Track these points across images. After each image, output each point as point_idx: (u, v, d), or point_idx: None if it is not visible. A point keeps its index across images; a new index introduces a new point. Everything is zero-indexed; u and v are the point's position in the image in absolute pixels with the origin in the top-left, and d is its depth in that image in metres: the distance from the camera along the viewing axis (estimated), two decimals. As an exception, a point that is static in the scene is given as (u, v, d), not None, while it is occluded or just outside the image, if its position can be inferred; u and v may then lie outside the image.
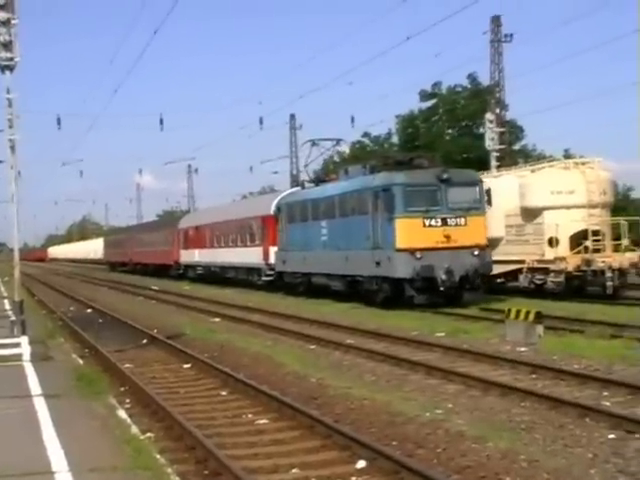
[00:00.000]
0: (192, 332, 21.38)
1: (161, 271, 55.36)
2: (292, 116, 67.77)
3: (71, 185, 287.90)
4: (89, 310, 30.21)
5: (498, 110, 45.83)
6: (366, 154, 59.27)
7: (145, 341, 19.87)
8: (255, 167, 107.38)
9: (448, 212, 23.58)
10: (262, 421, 10.82)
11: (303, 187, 33.73)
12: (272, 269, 34.44)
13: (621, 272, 24.79)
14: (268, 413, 11.24)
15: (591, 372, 13.10)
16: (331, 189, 28.93)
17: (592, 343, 15.47)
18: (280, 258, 32.92)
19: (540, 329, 16.58)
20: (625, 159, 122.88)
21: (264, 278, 35.77)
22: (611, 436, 9.30)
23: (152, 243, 58.00)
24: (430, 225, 23.46)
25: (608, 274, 24.30)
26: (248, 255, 37.75)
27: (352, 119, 55.40)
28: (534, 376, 13.14)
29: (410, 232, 23.36)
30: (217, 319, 25.25)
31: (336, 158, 65.67)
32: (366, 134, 64.40)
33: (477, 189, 24.49)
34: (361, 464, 8.51)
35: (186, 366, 15.90)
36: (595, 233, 25.16)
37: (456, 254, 23.18)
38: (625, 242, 25.39)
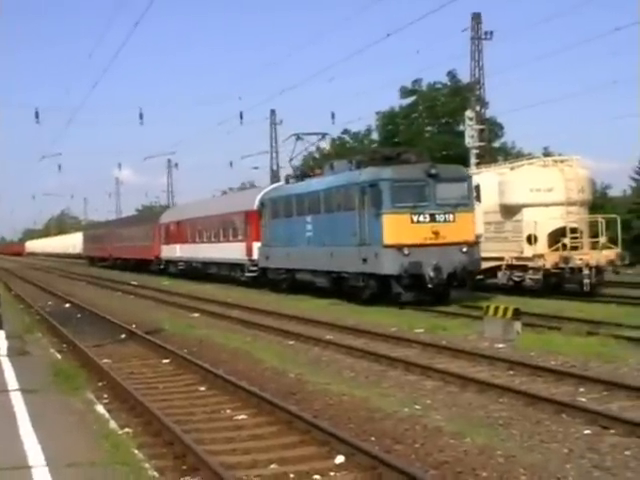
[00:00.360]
0: (171, 327, 21.32)
1: (141, 266, 54.63)
2: (272, 111, 67.68)
3: (49, 179, 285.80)
4: (67, 305, 30.03)
5: (478, 107, 46.03)
6: (346, 150, 59.36)
7: (124, 336, 19.80)
8: (235, 162, 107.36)
9: (436, 208, 23.22)
10: (241, 416, 10.82)
11: (287, 182, 33.35)
12: (255, 265, 34.09)
13: (598, 270, 25.01)
14: (247, 409, 11.25)
15: (568, 369, 13.21)
16: (316, 184, 28.49)
17: (569, 340, 15.60)
18: (263, 254, 32.56)
19: (518, 326, 16.69)
20: (603, 158, 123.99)
21: (247, 274, 35.35)
22: (587, 432, 9.40)
23: (132, 238, 57.34)
24: (418, 221, 23.10)
25: (585, 271, 24.51)
26: (231, 251, 37.31)
27: (332, 115, 55.55)
28: (512, 372, 13.24)
29: (398, 228, 23.05)
30: (196, 314, 25.20)
31: (316, 155, 65.77)
32: (346, 131, 64.53)
33: (466, 185, 24.22)
34: (339, 459, 8.54)
35: (165, 361, 15.87)
36: (573, 231, 25.36)
37: (444, 251, 22.88)
38: (602, 240, 25.60)
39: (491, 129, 50.88)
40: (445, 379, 12.78)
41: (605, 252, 25.23)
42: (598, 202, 35.86)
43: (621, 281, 28.25)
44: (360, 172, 25.06)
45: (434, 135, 56.75)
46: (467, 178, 24.70)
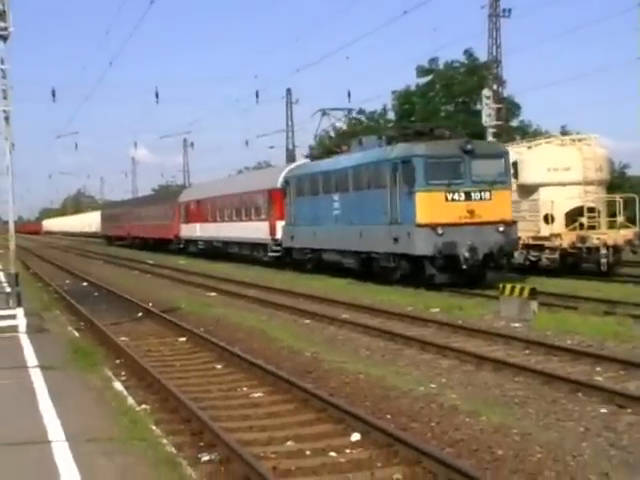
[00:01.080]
0: (187, 306, 21.43)
1: (160, 246, 54.44)
2: (288, 90, 67.38)
3: (66, 158, 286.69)
4: (84, 283, 30.24)
5: (495, 86, 45.68)
6: (363, 129, 59.10)
7: (140, 314, 19.93)
8: (251, 142, 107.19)
9: (472, 185, 22.22)
10: (257, 394, 10.89)
11: (312, 159, 32.72)
12: (279, 245, 33.22)
13: (615, 249, 24.86)
14: (263, 386, 11.31)
15: (584, 348, 13.19)
16: (344, 161, 27.40)
17: (585, 319, 15.56)
18: (288, 233, 31.71)
19: (534, 305, 16.66)
20: (621, 137, 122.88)
21: (270, 254, 34.48)
22: (603, 410, 9.40)
23: (151, 217, 56.95)
24: (453, 199, 22.06)
25: (603, 251, 24.38)
26: (253, 230, 36.52)
27: (349, 94, 55.16)
28: (527, 352, 13.23)
29: (431, 207, 22.04)
30: (213, 294, 25.30)
31: (332, 133, 65.57)
32: (361, 111, 64.17)
33: (503, 161, 23.14)
34: (355, 437, 8.58)
35: (181, 340, 15.96)
36: (590, 210, 25.21)
37: (480, 230, 21.86)
38: (620, 219, 25.45)
39: (508, 108, 50.50)
40: (461, 358, 12.80)
41: (623, 231, 25.07)
42: (616, 181, 35.60)
43: (639, 261, 28.10)
44: (392, 148, 24.07)
45: (451, 114, 56.36)
46: (504, 154, 23.62)
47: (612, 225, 25.48)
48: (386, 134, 26.19)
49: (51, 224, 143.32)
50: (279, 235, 33.12)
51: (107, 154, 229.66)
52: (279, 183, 33.39)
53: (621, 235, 24.89)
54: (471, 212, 22.05)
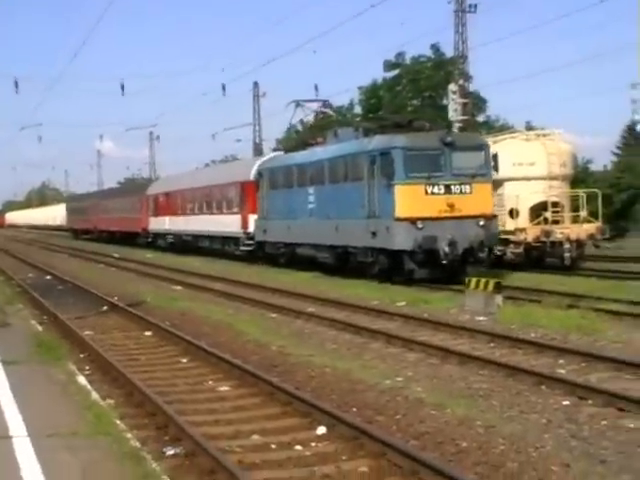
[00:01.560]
0: (153, 300, 21.31)
1: (128, 239, 53.54)
2: (255, 83, 67.01)
3: (30, 150, 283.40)
4: (48, 277, 29.91)
5: (461, 81, 45.91)
6: (330, 123, 59.06)
7: (105, 308, 19.77)
8: (218, 135, 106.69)
9: (452, 178, 21.69)
10: (223, 388, 10.86)
11: (286, 152, 31.95)
12: (251, 238, 32.55)
13: (579, 243, 25.19)
14: (229, 380, 11.29)
15: (548, 341, 13.34)
16: (320, 153, 26.67)
17: (549, 313, 15.72)
18: (261, 227, 31.03)
19: (499, 299, 16.82)
20: (585, 132, 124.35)
21: (242, 248, 33.70)
22: (565, 402, 9.52)
23: (118, 210, 55.78)
24: (433, 192, 21.54)
25: (566, 245, 24.67)
26: (225, 223, 35.58)
27: (316, 87, 55.08)
28: (492, 345, 13.35)
29: (411, 200, 21.51)
30: (179, 287, 25.18)
31: (299, 127, 65.49)
32: (329, 105, 64.09)
33: (483, 154, 22.58)
34: (321, 430, 8.60)
35: (147, 334, 15.87)
36: (554, 205, 25.48)
37: (460, 224, 21.41)
38: (583, 214, 25.75)
39: (474, 103, 50.75)
40: (426, 351, 12.87)
41: (586, 226, 25.40)
42: (580, 176, 36.01)
43: (601, 255, 28.50)
44: (369, 140, 23.51)
45: (417, 109, 56.52)
46: (485, 146, 23.07)
47: (575, 220, 25.79)
48: (363, 126, 25.52)
49: (14, 217, 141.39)
50: (251, 229, 32.54)
51: (72, 147, 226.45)
52: (252, 175, 32.76)
53: (584, 230, 25.21)
54: (451, 206, 21.59)
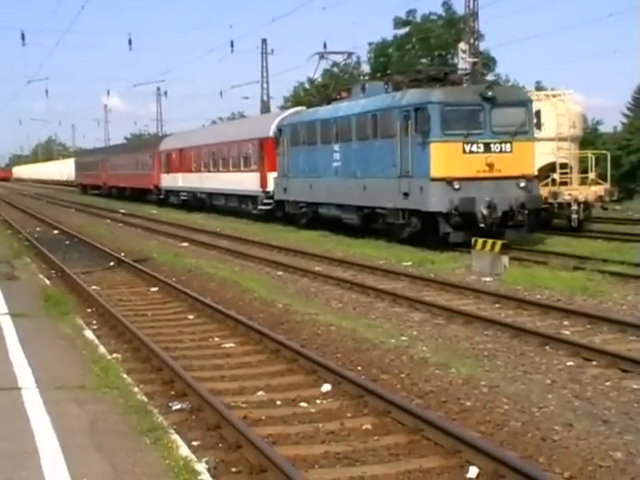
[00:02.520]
0: (160, 256, 21.36)
1: (139, 196, 52.30)
2: (264, 41, 66.36)
3: (37, 104, 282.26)
4: (56, 232, 29.99)
5: (472, 40, 45.38)
6: (337, 82, 58.63)
7: (112, 264, 19.84)
8: (225, 92, 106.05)
9: (492, 136, 20.42)
10: (229, 345, 10.93)
11: (308, 107, 30.70)
12: (270, 197, 31.25)
13: (586, 205, 25.07)
14: (235, 337, 11.36)
15: (553, 302, 13.37)
16: (346, 108, 25.24)
17: (555, 274, 15.74)
18: (281, 185, 29.70)
19: (505, 260, 16.81)
20: (595, 93, 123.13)
21: (260, 207, 32.25)
22: (569, 363, 9.56)
23: (129, 166, 54.13)
24: (471, 151, 20.24)
25: (574, 207, 24.56)
26: (242, 181, 34.10)
27: (324, 45, 54.50)
28: (498, 306, 13.38)
29: (448, 159, 20.26)
30: (185, 244, 25.23)
31: (307, 86, 64.97)
32: (335, 64, 63.61)
33: (526, 110, 21.23)
34: (326, 388, 8.67)
35: (153, 290, 15.94)
36: (563, 166, 25.29)
37: (499, 185, 20.22)
38: (592, 176, 25.61)
39: (484, 62, 50.25)
40: (432, 311, 12.91)
41: (594, 188, 25.25)
42: (589, 138, 35.77)
43: (609, 217, 28.40)
44: (402, 94, 22.05)
45: (427, 67, 56.00)
46: (527, 102, 21.67)
47: (584, 181, 25.65)
48: (393, 79, 24.35)
49: (22, 171, 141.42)
50: (270, 187, 31.25)
51: (79, 102, 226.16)
52: (271, 132, 31.44)
53: (592, 191, 25.07)
54: (490, 165, 20.30)
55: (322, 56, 31.37)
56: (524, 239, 21.09)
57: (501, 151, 20.54)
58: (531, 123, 21.43)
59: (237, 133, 37.34)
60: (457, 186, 19.96)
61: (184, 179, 43.28)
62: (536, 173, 24.35)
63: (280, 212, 30.64)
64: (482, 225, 19.97)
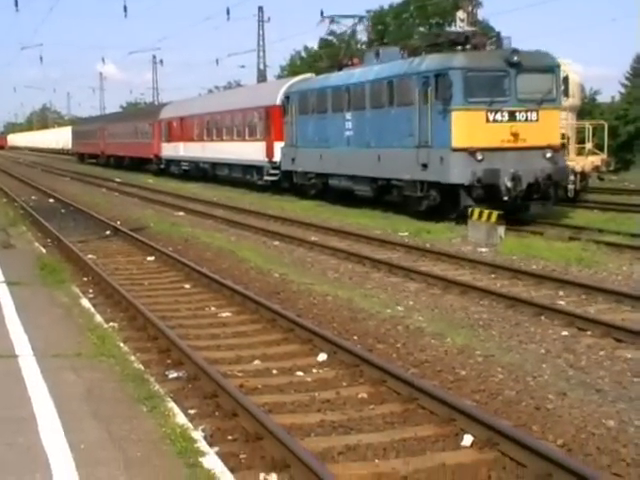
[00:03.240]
0: (156, 225, 21.35)
1: (138, 165, 51.26)
2: (260, 8, 65.82)
3: (31, 71, 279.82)
4: (51, 200, 29.93)
5: (470, 8, 45.03)
6: (335, 50, 58.33)
7: (108, 233, 19.83)
8: (221, 60, 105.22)
9: (517, 104, 19.39)
10: (225, 314, 10.97)
11: (317, 73, 30.01)
12: (276, 168, 30.36)
13: (583, 176, 25.02)
14: (231, 306, 11.39)
15: (548, 272, 13.42)
16: (359, 75, 24.13)
17: (551, 245, 15.78)
18: (288, 155, 28.63)
19: (501, 230, 16.84)
20: (593, 63, 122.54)
21: (266, 178, 31.41)
22: (564, 333, 9.62)
23: (129, 134, 53.09)
24: (495, 120, 19.22)
25: (570, 177, 24.54)
26: (247, 151, 33.10)
27: (321, 13, 54.02)
28: (493, 276, 13.42)
29: (470, 128, 19.25)
30: (181, 213, 25.20)
31: (303, 54, 64.58)
32: (332, 32, 63.17)
33: (553, 76, 20.07)
34: (322, 357, 8.71)
35: (150, 259, 15.94)
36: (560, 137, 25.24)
37: (525, 156, 19.18)
38: (589, 146, 25.56)
39: (482, 31, 49.89)
40: (428, 281, 12.95)
41: (591, 158, 25.18)
42: (586, 108, 35.63)
43: (605, 187, 28.40)
44: (421, 60, 20.99)
45: (424, 36, 55.66)
46: (555, 68, 20.36)
47: (581, 152, 25.59)
48: (410, 44, 23.22)
49: (16, 139, 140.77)
50: (277, 157, 30.28)
51: (74, 69, 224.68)
52: (278, 99, 30.44)
53: (589, 162, 25.02)
54: (515, 135, 19.26)
55: (332, 20, 30.61)
56: (550, 213, 20.29)
57: (527, 120, 19.46)
58: (559, 90, 20.26)
59: (242, 101, 36.09)
60: (480, 157, 18.96)
61: (186, 148, 42.30)
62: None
63: (287, 183, 29.72)
64: (506, 198, 18.94)
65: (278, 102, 30.43)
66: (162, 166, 46.46)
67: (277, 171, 30.39)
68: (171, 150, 44.72)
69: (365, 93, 23.37)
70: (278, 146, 30.09)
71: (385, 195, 23.16)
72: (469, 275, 13.58)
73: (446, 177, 19.49)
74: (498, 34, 20.88)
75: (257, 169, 32.55)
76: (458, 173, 19.13)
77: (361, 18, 31.48)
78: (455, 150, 19.22)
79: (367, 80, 23.40)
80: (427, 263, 14.88)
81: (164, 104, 50.76)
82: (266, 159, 31.44)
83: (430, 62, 20.52)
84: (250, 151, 32.89)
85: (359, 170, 23.75)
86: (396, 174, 21.63)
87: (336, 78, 26.07)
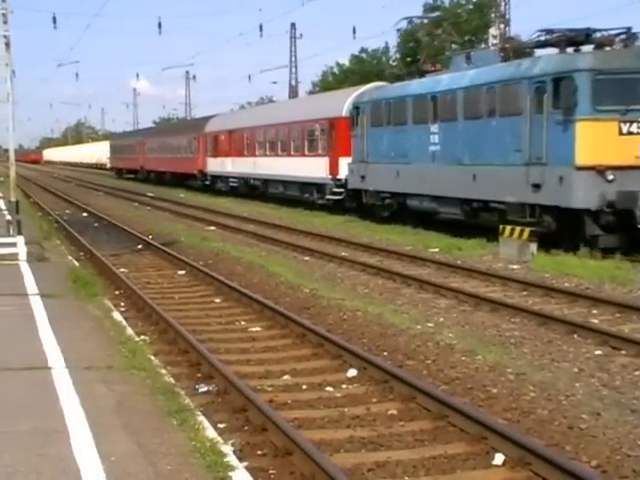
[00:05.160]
0: (187, 239, 21.48)
1: (181, 181, 49.42)
2: (292, 25, 66.27)
3: (67, 88, 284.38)
4: (84, 214, 30.26)
5: (502, 26, 44.93)
6: (365, 67, 58.45)
7: (140, 247, 19.98)
8: (253, 76, 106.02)
9: None
10: (255, 329, 10.97)
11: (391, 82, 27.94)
12: (341, 186, 27.87)
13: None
14: (261, 321, 11.40)
15: (581, 290, 13.26)
16: (450, 81, 21.28)
17: (584, 263, 15.59)
18: (357, 172, 25.90)
19: (533, 247, 16.69)
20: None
21: (329, 197, 28.80)
22: (597, 352, 9.49)
23: (171, 149, 51.03)
24: (629, 132, 16.26)
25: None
26: (307, 167, 30.53)
27: (354, 30, 54.45)
28: (525, 293, 13.30)
29: (599, 142, 16.36)
30: (212, 228, 25.33)
31: (336, 70, 64.81)
32: (363, 50, 63.42)
33: None
34: (352, 373, 8.67)
35: (181, 272, 16.03)
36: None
37: None
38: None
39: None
40: (458, 298, 12.86)
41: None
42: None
43: None
44: (533, 62, 18.28)
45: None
46: None
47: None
48: (509, 45, 20.55)
49: (52, 154, 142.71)
50: (342, 174, 27.67)
51: (108, 85, 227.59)
52: (344, 110, 28.00)
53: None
54: None
55: (410, 21, 29.16)
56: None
57: None
58: None
59: (300, 113, 33.38)
60: (611, 177, 16.13)
61: (234, 164, 39.85)
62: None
63: (354, 202, 27.15)
64: None
65: (344, 113, 28.10)
66: (207, 182, 44.41)
67: (341, 189, 28.04)
68: (218, 165, 42.50)
69: (457, 102, 20.56)
70: (343, 162, 27.69)
71: (478, 219, 20.59)
72: (500, 292, 13.47)
73: (567, 201, 16.61)
74: (629, 29, 17.46)
75: (318, 187, 30.02)
76: (583, 196, 16.30)
77: (440, 17, 27.87)
78: (580, 168, 16.38)
79: (460, 87, 20.51)
80: (458, 279, 14.79)
81: (210, 116, 48.74)
82: (329, 176, 28.90)
83: (546, 64, 17.70)
84: (310, 167, 30.32)
85: (447, 190, 20.86)
86: (497, 195, 18.84)
87: (418, 85, 23.42)
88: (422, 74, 24.40)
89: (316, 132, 30.63)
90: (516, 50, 19.73)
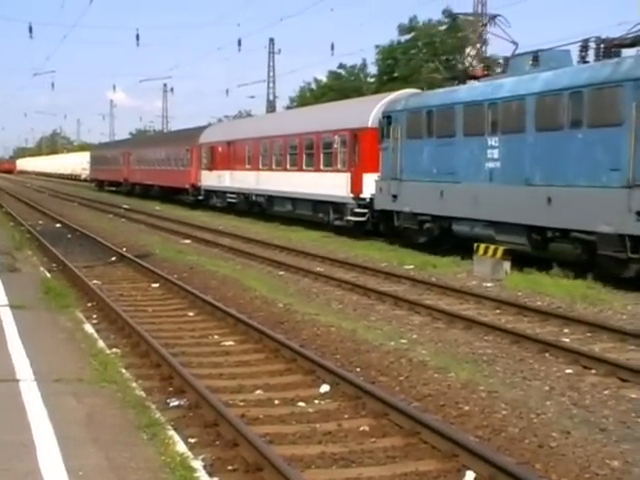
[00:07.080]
0: (162, 252, 21.37)
1: (170, 195, 46.08)
2: (271, 40, 66.56)
3: (42, 97, 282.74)
4: (58, 225, 30.01)
5: (478, 45, 45.36)
6: (343, 83, 58.72)
7: (114, 259, 19.84)
8: (231, 90, 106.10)
9: None
10: (228, 343, 10.93)
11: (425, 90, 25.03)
12: (365, 206, 24.54)
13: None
14: (234, 335, 11.35)
15: (553, 309, 13.37)
16: (515, 86, 18.07)
17: (556, 282, 15.71)
18: (387, 191, 22.58)
19: (507, 265, 16.81)
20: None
21: (349, 218, 25.23)
22: (568, 371, 9.55)
23: (159, 161, 47.61)
24: None
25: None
26: (322, 183, 26.94)
27: (332, 46, 54.75)
28: (498, 311, 13.37)
29: None
30: (187, 241, 25.23)
31: (313, 86, 65.07)
32: (341, 65, 63.80)
33: None
34: (324, 388, 8.65)
35: (154, 285, 15.93)
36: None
37: None
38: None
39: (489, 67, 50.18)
40: (432, 315, 12.91)
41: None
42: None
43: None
44: (638, 60, 15.22)
45: (434, 71, 56.06)
46: None
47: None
48: (589, 41, 17.17)
49: (25, 164, 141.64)
50: (367, 193, 24.34)
51: (84, 96, 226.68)
52: (371, 120, 24.71)
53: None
54: None
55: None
56: None
57: None
58: None
59: (314, 122, 29.48)
60: None
61: (233, 178, 36.40)
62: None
63: (382, 225, 24.03)
64: None
65: (370, 124, 24.72)
66: (200, 197, 40.94)
67: (365, 210, 24.65)
68: (213, 179, 38.82)
69: (525, 110, 17.38)
70: (368, 179, 24.25)
71: (548, 250, 17.57)
72: (474, 310, 13.53)
73: None
74: None
75: (335, 206, 26.39)
76: None
77: (494, 16, 23.00)
78: None
79: (530, 92, 17.35)
80: (432, 297, 14.84)
81: (205, 126, 45.14)
82: (350, 195, 25.23)
83: None
84: (327, 184, 26.65)
85: (509, 215, 17.66)
86: (583, 224, 15.65)
87: (470, 91, 20.22)
88: (465, 80, 21.82)
89: (334, 144, 26.88)
90: (607, 48, 16.52)
